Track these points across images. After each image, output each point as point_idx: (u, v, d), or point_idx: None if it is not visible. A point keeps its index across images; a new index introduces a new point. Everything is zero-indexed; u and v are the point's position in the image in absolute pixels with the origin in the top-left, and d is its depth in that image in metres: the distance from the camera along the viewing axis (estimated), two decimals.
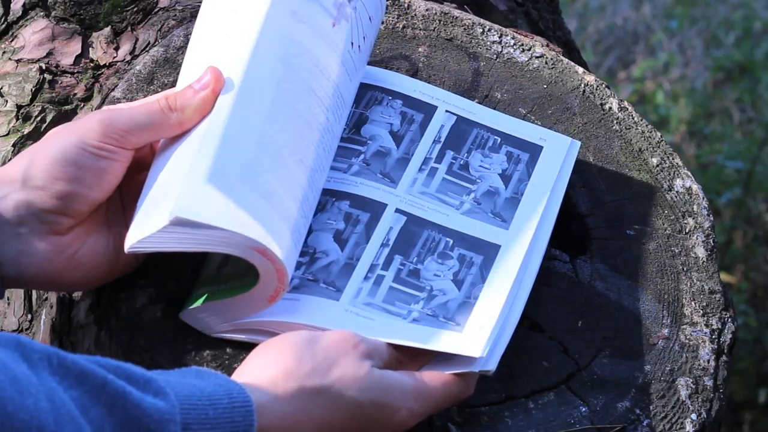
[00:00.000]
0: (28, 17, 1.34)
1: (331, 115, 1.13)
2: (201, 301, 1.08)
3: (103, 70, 1.32)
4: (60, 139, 1.05)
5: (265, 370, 0.99)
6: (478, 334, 1.06)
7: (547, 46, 1.34)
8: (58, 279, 1.07)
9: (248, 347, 1.06)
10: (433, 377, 1.04)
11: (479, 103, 1.27)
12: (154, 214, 1.03)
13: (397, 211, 1.14)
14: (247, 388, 0.96)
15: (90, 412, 0.87)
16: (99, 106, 1.26)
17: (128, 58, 1.32)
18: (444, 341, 1.06)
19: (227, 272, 1.09)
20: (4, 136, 1.30)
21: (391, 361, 1.04)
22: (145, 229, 1.02)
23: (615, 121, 1.28)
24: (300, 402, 0.99)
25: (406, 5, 1.31)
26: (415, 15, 1.31)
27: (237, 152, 1.05)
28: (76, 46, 1.33)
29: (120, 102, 1.20)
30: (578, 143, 1.22)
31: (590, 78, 1.30)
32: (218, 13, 1.13)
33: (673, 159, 1.27)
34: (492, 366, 1.05)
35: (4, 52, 1.34)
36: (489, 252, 1.13)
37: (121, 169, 1.07)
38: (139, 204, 1.06)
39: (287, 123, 1.09)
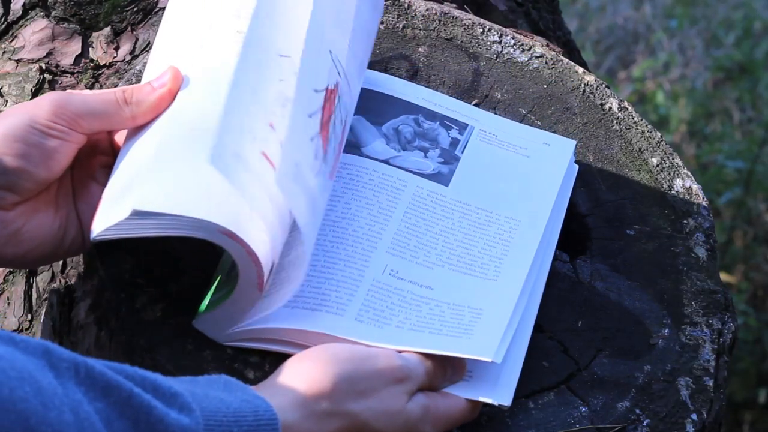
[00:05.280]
0: (28, 17, 1.34)
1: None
2: (209, 304, 1.07)
3: (103, 70, 1.32)
4: (9, 118, 1.06)
5: (298, 385, 0.99)
6: (490, 338, 1.06)
7: (547, 46, 1.34)
8: (1, 253, 1.07)
9: (249, 348, 1.06)
10: (450, 404, 1.05)
11: (479, 103, 1.27)
12: (119, 203, 1.02)
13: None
14: (275, 405, 0.95)
15: (114, 425, 0.86)
16: None
17: (128, 58, 1.32)
18: (456, 346, 1.06)
19: (235, 273, 1.08)
20: None
21: (423, 383, 1.05)
22: (111, 218, 1.01)
23: (615, 121, 1.28)
24: (326, 425, 0.99)
25: (406, 5, 1.31)
26: (415, 15, 1.31)
27: (201, 138, 1.03)
28: (76, 46, 1.33)
29: None
30: (574, 144, 1.23)
31: (590, 78, 1.30)
32: (188, 7, 1.12)
33: (673, 159, 1.26)
34: (507, 401, 1.06)
35: (4, 52, 1.34)
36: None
37: (70, 151, 1.07)
38: (105, 192, 1.05)
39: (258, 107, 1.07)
